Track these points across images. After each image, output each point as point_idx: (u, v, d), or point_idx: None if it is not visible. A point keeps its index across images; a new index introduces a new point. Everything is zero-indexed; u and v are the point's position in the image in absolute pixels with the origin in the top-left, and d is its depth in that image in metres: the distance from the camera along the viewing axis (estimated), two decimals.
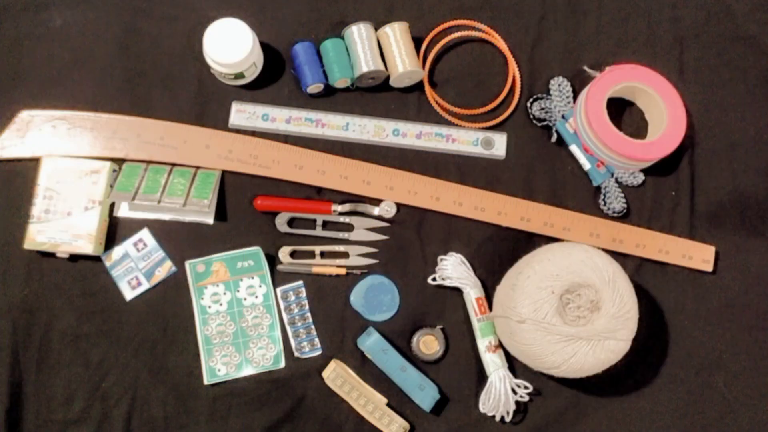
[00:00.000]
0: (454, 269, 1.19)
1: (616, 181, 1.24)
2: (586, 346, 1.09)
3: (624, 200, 1.24)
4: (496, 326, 1.17)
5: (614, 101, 1.27)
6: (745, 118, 1.30)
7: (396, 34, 1.24)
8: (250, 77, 1.24)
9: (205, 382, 1.17)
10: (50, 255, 1.18)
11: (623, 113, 1.29)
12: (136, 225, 1.21)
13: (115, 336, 1.18)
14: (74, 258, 1.18)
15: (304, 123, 1.24)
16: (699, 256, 1.24)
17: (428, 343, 1.18)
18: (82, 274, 1.19)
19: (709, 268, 1.24)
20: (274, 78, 1.27)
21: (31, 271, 1.18)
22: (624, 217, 1.25)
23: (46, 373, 1.16)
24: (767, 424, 1.21)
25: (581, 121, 1.23)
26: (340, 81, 1.23)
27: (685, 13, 1.32)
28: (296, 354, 1.18)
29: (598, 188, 1.25)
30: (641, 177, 1.25)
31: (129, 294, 1.18)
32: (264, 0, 1.29)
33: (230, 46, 1.19)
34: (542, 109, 1.26)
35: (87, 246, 1.16)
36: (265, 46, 1.26)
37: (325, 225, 1.22)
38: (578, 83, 1.28)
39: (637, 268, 1.24)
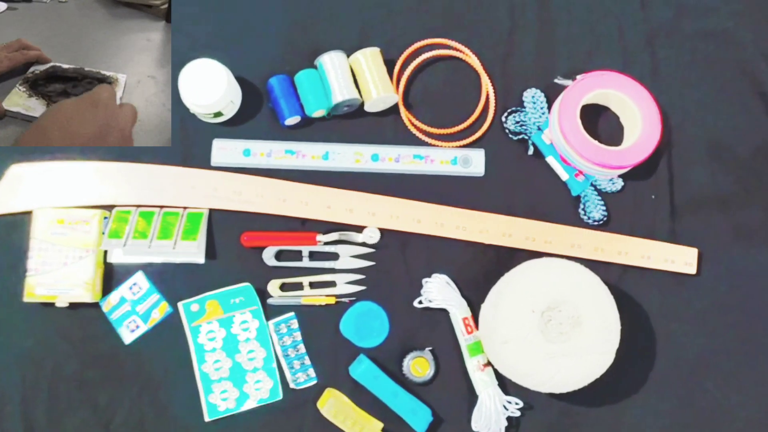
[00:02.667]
0: (439, 291, 1.22)
1: (595, 189, 1.26)
2: (570, 362, 1.12)
3: (603, 208, 1.25)
4: (483, 345, 1.19)
5: (589, 106, 1.28)
6: (722, 113, 1.30)
7: (368, 61, 1.26)
8: (228, 114, 1.27)
9: (207, 419, 1.21)
10: (50, 304, 1.22)
11: (599, 118, 1.29)
12: (130, 269, 1.24)
13: (118, 379, 1.22)
14: (74, 305, 1.22)
15: (285, 156, 1.26)
16: (682, 259, 1.25)
17: (419, 366, 1.21)
18: (83, 320, 1.23)
19: (693, 270, 1.25)
20: (254, 112, 1.29)
21: (34, 322, 1.23)
22: (605, 225, 1.26)
23: (57, 419, 1.21)
24: (760, 424, 1.23)
25: (556, 132, 1.24)
26: (316, 112, 1.25)
27: (655, 12, 1.32)
28: (292, 385, 1.22)
29: (578, 198, 1.26)
30: (620, 183, 1.26)
31: (128, 337, 1.22)
32: (238, 36, 1.31)
33: (205, 86, 1.21)
34: (517, 122, 1.27)
35: (85, 295, 1.20)
36: (242, 81, 1.28)
37: (312, 255, 1.25)
38: (553, 93, 1.28)
39: (620, 275, 1.25)
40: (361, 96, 1.26)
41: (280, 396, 1.22)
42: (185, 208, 1.25)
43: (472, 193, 1.27)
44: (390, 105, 1.28)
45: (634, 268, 1.25)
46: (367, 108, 1.27)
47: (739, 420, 1.23)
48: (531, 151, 1.27)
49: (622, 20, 1.32)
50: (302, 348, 1.22)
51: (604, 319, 1.13)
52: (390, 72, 1.28)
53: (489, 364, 1.20)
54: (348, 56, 1.27)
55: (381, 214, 1.24)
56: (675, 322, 1.25)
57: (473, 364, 1.20)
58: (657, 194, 1.27)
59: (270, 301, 1.23)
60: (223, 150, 1.27)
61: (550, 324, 1.12)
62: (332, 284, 1.24)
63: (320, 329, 1.23)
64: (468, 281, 1.24)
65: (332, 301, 1.23)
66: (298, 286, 1.24)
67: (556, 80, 1.28)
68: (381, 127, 1.29)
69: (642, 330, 1.24)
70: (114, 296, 1.23)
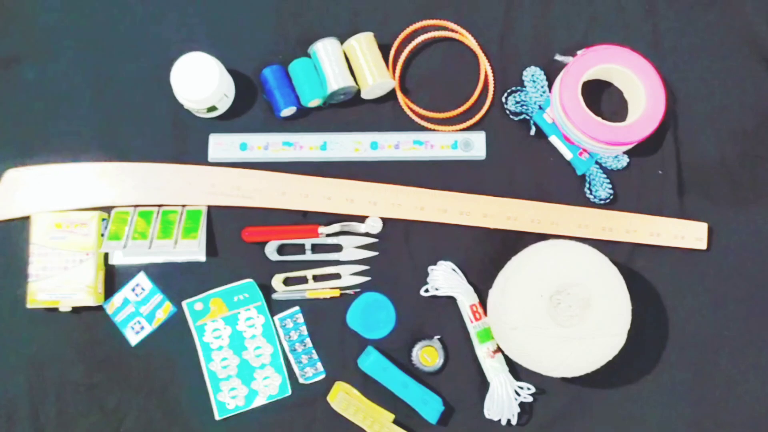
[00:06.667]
0: (445, 278, 1.20)
1: (600, 167, 1.23)
2: (581, 345, 1.10)
3: (610, 187, 1.22)
4: (492, 331, 1.18)
5: (591, 82, 1.25)
6: (727, 83, 1.27)
7: (362, 46, 1.23)
8: (223, 108, 1.25)
9: (217, 417, 1.20)
10: (54, 310, 1.20)
11: (602, 94, 1.26)
12: (132, 270, 1.23)
13: (126, 381, 1.21)
14: (77, 309, 1.21)
15: (283, 148, 1.24)
16: (692, 234, 1.22)
17: (428, 355, 1.19)
18: (87, 324, 1.22)
19: (703, 245, 1.22)
20: (249, 105, 1.27)
21: (38, 328, 1.21)
22: (612, 204, 1.24)
23: (66, 425, 1.20)
24: None
25: (558, 111, 1.21)
26: (312, 102, 1.23)
27: None
28: (301, 380, 1.20)
29: (583, 177, 1.24)
30: (626, 160, 1.23)
31: (134, 339, 1.21)
32: (229, 28, 1.28)
33: (197, 81, 1.19)
34: (518, 102, 1.24)
35: (87, 298, 1.19)
36: (235, 74, 1.26)
37: (315, 248, 1.23)
38: (553, 71, 1.25)
39: (629, 254, 1.23)
40: (356, 83, 1.23)
41: (289, 391, 1.20)
42: (184, 205, 1.23)
43: (475, 176, 1.24)
44: (387, 91, 1.26)
45: (643, 246, 1.22)
46: (364, 95, 1.24)
47: (755, 395, 1.21)
48: (533, 132, 1.24)
49: None
50: (309, 342, 1.21)
51: (614, 300, 1.11)
52: (385, 57, 1.25)
53: (499, 350, 1.19)
54: (342, 43, 1.24)
55: (382, 202, 1.22)
56: (687, 299, 1.23)
57: (483, 351, 1.19)
58: (664, 169, 1.24)
59: (274, 296, 1.22)
60: (220, 145, 1.25)
61: (559, 307, 1.10)
62: (336, 276, 1.22)
63: (326, 322, 1.22)
64: (474, 267, 1.22)
65: (337, 293, 1.21)
66: (302, 280, 1.23)
67: (555, 57, 1.25)
68: (379, 114, 1.26)
69: (654, 309, 1.22)
70: (117, 298, 1.22)
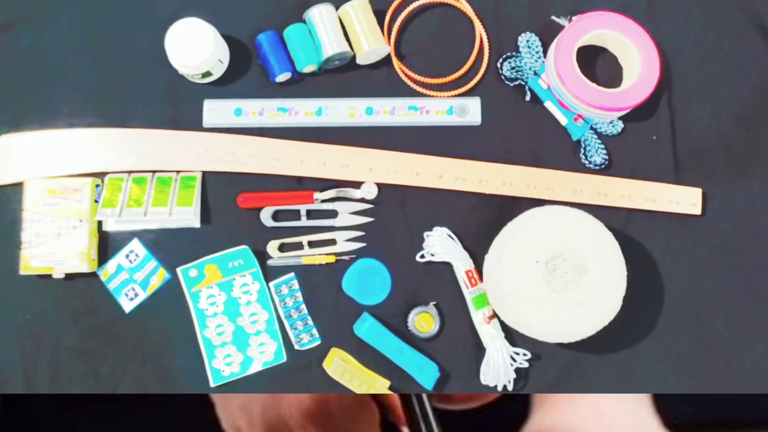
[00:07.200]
0: (440, 244, 1.20)
1: (595, 132, 1.23)
2: (577, 311, 1.10)
3: (605, 152, 1.22)
4: (488, 297, 1.18)
5: (587, 48, 1.24)
6: (722, 50, 1.27)
7: (357, 12, 1.22)
8: (217, 74, 1.24)
9: (212, 384, 1.19)
10: (47, 276, 1.20)
11: (597, 60, 1.26)
12: (125, 236, 1.22)
13: (120, 348, 1.20)
14: (71, 276, 1.20)
15: (278, 114, 1.24)
16: (686, 199, 1.22)
17: (424, 321, 1.19)
18: (81, 291, 1.21)
19: (698, 210, 1.23)
20: (244, 70, 1.26)
21: (31, 295, 1.21)
22: (607, 169, 1.23)
23: (59, 391, 1.20)
24: None
25: (553, 76, 1.21)
26: (307, 67, 1.22)
27: None
28: (296, 346, 1.20)
29: (579, 142, 1.24)
30: (620, 125, 1.23)
31: (128, 306, 1.21)
32: None
33: (192, 46, 1.18)
34: (513, 68, 1.24)
35: (81, 265, 1.18)
36: (229, 39, 1.25)
37: (310, 214, 1.22)
38: (548, 36, 1.25)
39: (625, 219, 1.23)
40: (352, 49, 1.23)
41: (284, 358, 1.20)
42: (178, 171, 1.23)
43: (470, 142, 1.24)
44: (382, 56, 1.25)
45: (638, 211, 1.23)
46: (359, 60, 1.24)
47: (751, 359, 1.22)
48: (528, 97, 1.24)
49: None
50: (304, 309, 1.21)
51: (609, 266, 1.11)
52: (380, 22, 1.25)
53: (495, 316, 1.19)
54: (337, 8, 1.23)
55: (378, 168, 1.22)
56: (682, 264, 1.23)
57: (479, 317, 1.19)
58: (658, 135, 1.24)
59: (270, 262, 1.21)
60: (215, 110, 1.24)
61: (555, 273, 1.10)
62: (332, 242, 1.22)
63: (322, 289, 1.21)
64: (470, 233, 1.22)
65: (332, 259, 1.21)
66: (298, 246, 1.22)
67: (552, 17, 1.24)
68: (374, 80, 1.26)
69: (649, 274, 1.22)
70: (111, 265, 1.21)
